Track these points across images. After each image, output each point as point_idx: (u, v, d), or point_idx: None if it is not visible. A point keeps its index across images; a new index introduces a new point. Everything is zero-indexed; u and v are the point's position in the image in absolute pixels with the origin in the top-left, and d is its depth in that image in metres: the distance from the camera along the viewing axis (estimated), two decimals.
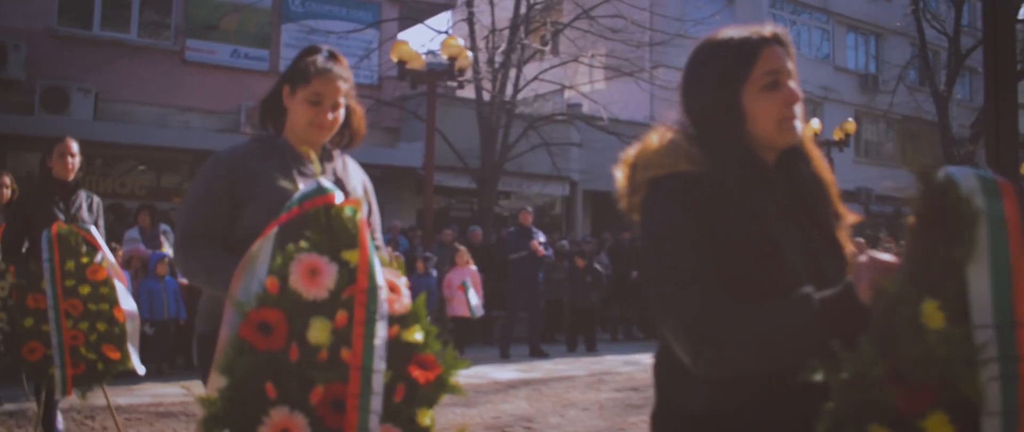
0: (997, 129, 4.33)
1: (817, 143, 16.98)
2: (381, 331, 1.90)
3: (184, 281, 9.52)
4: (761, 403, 1.65)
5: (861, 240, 17.67)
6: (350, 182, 2.85)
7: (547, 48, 18.91)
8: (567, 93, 21.53)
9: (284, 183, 2.52)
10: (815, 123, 19.05)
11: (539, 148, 16.91)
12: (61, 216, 5.43)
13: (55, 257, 4.82)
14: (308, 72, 2.69)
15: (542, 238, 12.70)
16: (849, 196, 25.05)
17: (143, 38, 16.18)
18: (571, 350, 13.07)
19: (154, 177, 16.48)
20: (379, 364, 1.89)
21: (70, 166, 5.60)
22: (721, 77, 1.84)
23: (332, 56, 2.76)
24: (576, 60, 18.03)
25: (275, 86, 2.79)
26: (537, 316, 12.66)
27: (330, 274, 1.91)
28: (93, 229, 5.15)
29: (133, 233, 10.30)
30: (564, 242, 14.75)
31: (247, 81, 16.65)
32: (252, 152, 2.72)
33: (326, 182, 2.02)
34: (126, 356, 5.02)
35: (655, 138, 1.90)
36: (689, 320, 1.61)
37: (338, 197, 1.99)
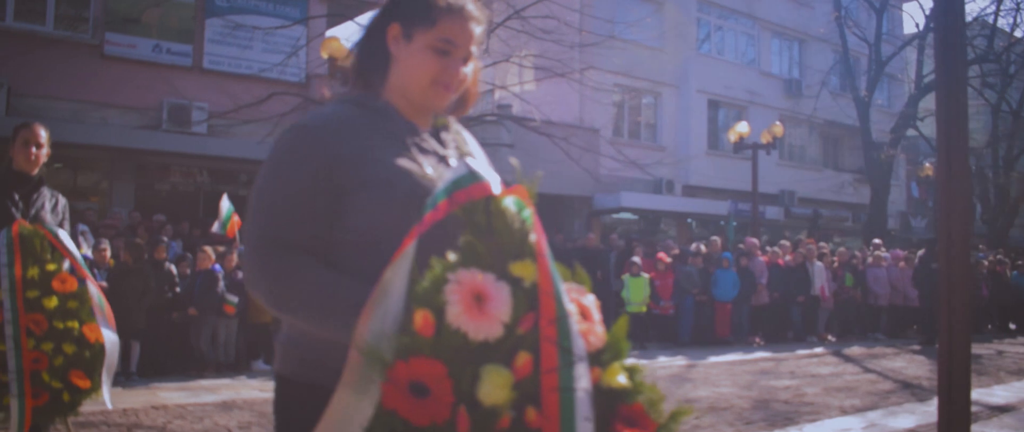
0: (947, 133, 4.29)
1: (744, 146, 17.04)
2: (582, 378, 1.33)
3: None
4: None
5: (785, 242, 17.91)
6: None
7: (482, 46, 18.74)
8: (498, 94, 21.40)
9: (406, 164, 1.82)
10: (743, 127, 19.25)
11: None
12: (17, 215, 4.43)
13: (16, 262, 3.95)
14: (434, 7, 1.92)
15: None
16: (772, 199, 25.44)
17: (59, 30, 15.56)
18: None
19: (70, 175, 15.85)
20: (585, 427, 1.31)
21: (35, 157, 4.55)
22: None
23: None
24: (507, 60, 17.90)
25: (373, 24, 2.00)
26: None
27: (502, 299, 1.34)
28: (60, 233, 4.31)
29: None
30: None
31: (169, 77, 16.16)
32: (352, 120, 1.86)
33: (477, 164, 1.47)
34: (97, 385, 4.11)
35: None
36: None
37: (496, 185, 1.45)
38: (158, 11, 16.34)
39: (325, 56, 13.02)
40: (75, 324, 4.05)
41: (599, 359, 1.40)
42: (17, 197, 4.49)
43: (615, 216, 24.10)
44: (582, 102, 22.17)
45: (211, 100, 16.17)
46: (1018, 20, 26.75)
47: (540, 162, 19.07)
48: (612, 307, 16.28)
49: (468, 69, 1.94)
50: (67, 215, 4.79)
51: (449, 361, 1.31)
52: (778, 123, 20.03)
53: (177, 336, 10.45)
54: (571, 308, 1.36)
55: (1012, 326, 19.32)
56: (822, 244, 18.46)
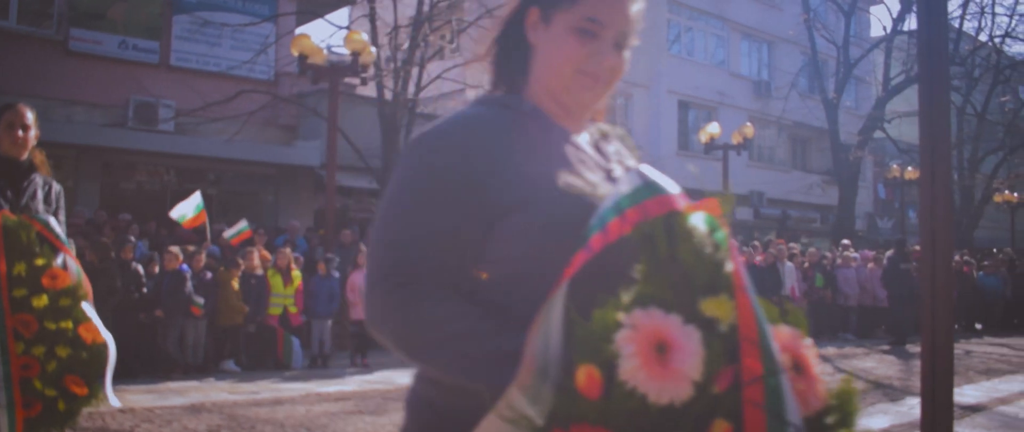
0: (932, 136, 4.27)
1: (715, 146, 17.06)
2: None
3: None
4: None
5: (755, 243, 17.98)
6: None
7: (453, 45, 18.65)
8: (469, 93, 21.30)
9: (568, 178, 1.41)
10: (714, 127, 19.29)
11: None
12: (5, 205, 3.97)
13: (0, 258, 3.53)
14: None
15: None
16: (742, 199, 25.56)
17: (23, 26, 15.25)
18: None
19: None
20: None
21: (22, 140, 4.11)
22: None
23: None
24: (480, 60, 17.78)
25: (510, 12, 1.65)
26: None
27: (692, 349, 1.03)
28: (52, 222, 3.83)
29: None
30: None
31: (136, 74, 15.92)
32: (498, 125, 1.49)
33: (654, 174, 1.19)
34: (97, 390, 3.66)
35: None
36: None
37: (680, 199, 1.16)
38: (124, 7, 16.08)
39: (295, 53, 12.86)
40: (69, 324, 3.55)
41: (821, 428, 1.11)
42: (7, 187, 4.07)
43: None
44: None
45: (178, 98, 15.95)
46: (983, 24, 27.07)
47: None
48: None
49: (620, 56, 1.56)
50: (62, 203, 4.33)
51: (622, 431, 1.03)
52: (748, 124, 20.10)
53: (144, 337, 10.26)
54: (782, 360, 1.08)
55: (978, 326, 19.53)
56: (793, 245, 18.55)
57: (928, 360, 4.05)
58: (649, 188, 1.15)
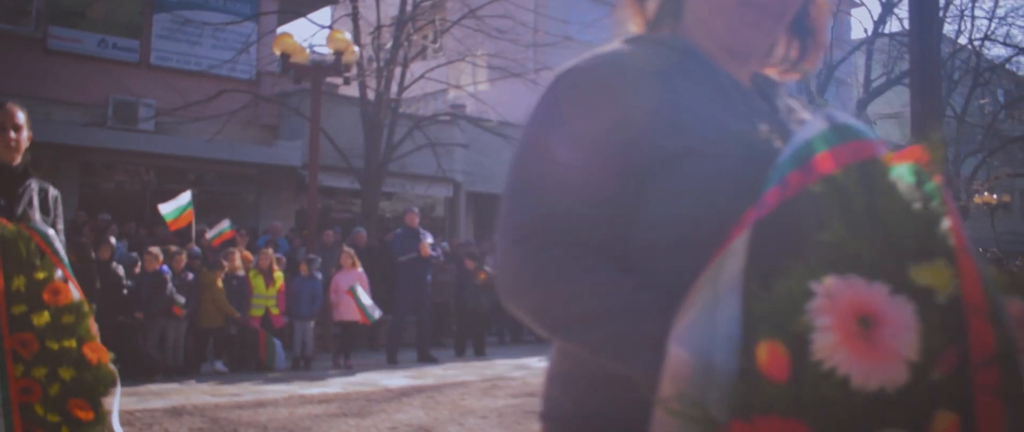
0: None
1: None
2: None
3: None
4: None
5: None
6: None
7: (436, 45, 18.60)
8: (452, 93, 21.24)
9: (739, 124, 1.19)
10: None
11: (424, 148, 16.54)
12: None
13: None
14: None
15: (430, 239, 12.34)
16: None
17: (0, 23, 15.05)
18: (459, 355, 12.77)
19: None
20: None
21: (15, 143, 3.73)
22: None
23: None
24: (463, 59, 17.76)
25: None
26: (426, 320, 12.30)
27: (904, 324, 0.83)
28: (52, 235, 3.43)
29: None
30: (445, 244, 14.45)
31: (116, 72, 15.76)
32: (658, 65, 1.22)
33: (844, 116, 1.00)
34: (102, 416, 3.31)
35: None
36: None
37: (879, 145, 0.95)
38: (104, 5, 15.91)
39: (278, 52, 12.75)
40: (73, 343, 3.20)
41: None
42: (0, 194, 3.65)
43: None
44: None
45: (159, 97, 15.79)
46: (962, 27, 27.26)
47: (494, 162, 18.96)
48: None
49: None
50: (60, 211, 3.96)
51: (819, 422, 0.82)
52: None
53: (124, 339, 10.12)
54: (1021, 338, 0.86)
55: None
56: None
57: None
58: (840, 132, 0.95)
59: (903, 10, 28.75)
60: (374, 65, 16.22)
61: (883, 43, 26.76)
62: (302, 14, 18.46)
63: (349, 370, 10.87)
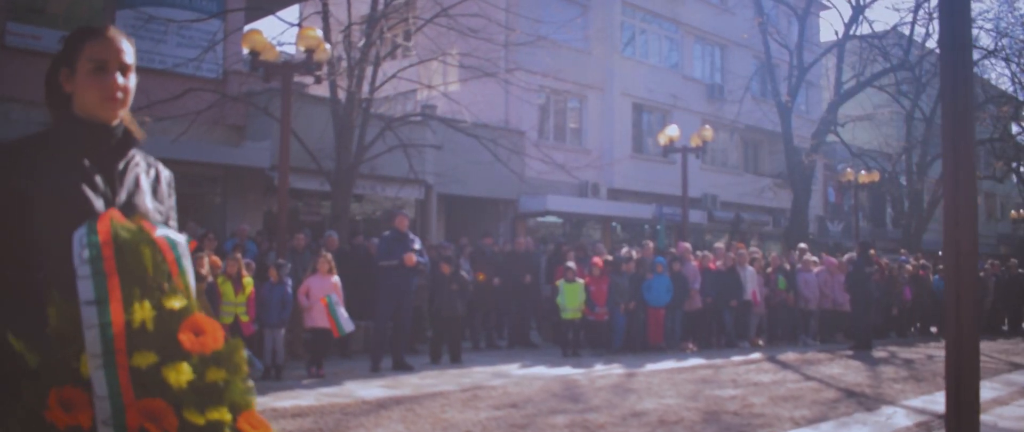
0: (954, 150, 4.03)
1: (673, 149, 16.92)
2: None
3: None
4: None
5: (719, 245, 17.82)
6: None
7: (410, 43, 18.23)
8: (423, 94, 20.88)
9: None
10: (673, 129, 19.07)
11: (395, 149, 16.17)
12: (98, 202, 2.19)
13: (114, 297, 1.90)
14: None
15: (419, 245, 11.91)
16: (695, 202, 25.46)
17: None
18: (435, 362, 12.40)
19: None
20: None
21: (119, 93, 2.28)
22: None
23: None
24: (436, 59, 17.40)
25: None
26: (404, 327, 11.92)
27: None
28: (181, 245, 2.12)
29: None
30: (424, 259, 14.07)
31: None
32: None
33: None
34: None
35: None
36: None
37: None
38: (65, 0, 15.38)
39: (247, 50, 12.31)
40: (225, 416, 1.94)
41: None
42: (95, 168, 2.26)
43: (540, 219, 23.81)
44: (508, 104, 21.83)
45: None
46: (931, 30, 27.36)
47: (466, 164, 18.66)
48: (543, 312, 15.94)
49: None
50: (174, 201, 2.54)
51: None
52: (707, 127, 19.92)
53: None
54: None
55: (933, 329, 19.60)
56: (754, 249, 18.46)
57: (953, 365, 4.15)
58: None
59: (873, 12, 28.82)
60: (344, 64, 15.81)
61: (854, 45, 26.77)
62: (270, 11, 18.03)
63: (322, 379, 10.48)
